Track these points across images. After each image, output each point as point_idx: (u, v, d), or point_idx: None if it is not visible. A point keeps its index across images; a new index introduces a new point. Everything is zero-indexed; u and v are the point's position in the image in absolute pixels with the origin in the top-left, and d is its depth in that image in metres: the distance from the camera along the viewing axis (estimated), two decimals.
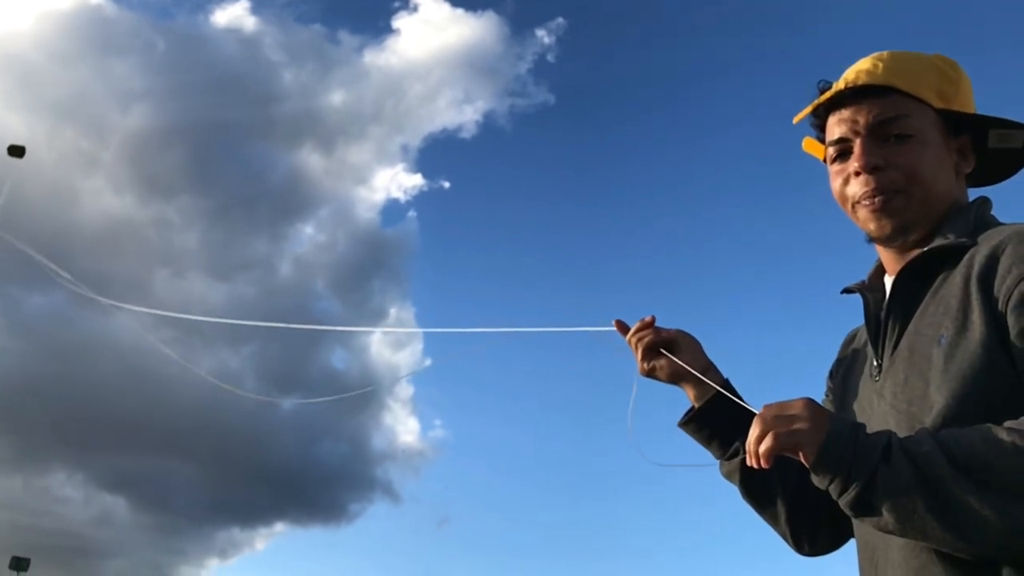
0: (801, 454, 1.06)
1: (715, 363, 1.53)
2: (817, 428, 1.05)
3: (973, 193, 1.37)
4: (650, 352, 1.54)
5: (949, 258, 1.22)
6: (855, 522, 1.27)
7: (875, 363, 1.29)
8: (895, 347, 1.25)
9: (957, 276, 1.18)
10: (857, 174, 1.31)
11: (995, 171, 1.41)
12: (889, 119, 1.30)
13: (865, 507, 1.02)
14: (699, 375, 1.47)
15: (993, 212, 1.33)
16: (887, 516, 1.00)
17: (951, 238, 1.24)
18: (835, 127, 1.34)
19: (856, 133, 1.31)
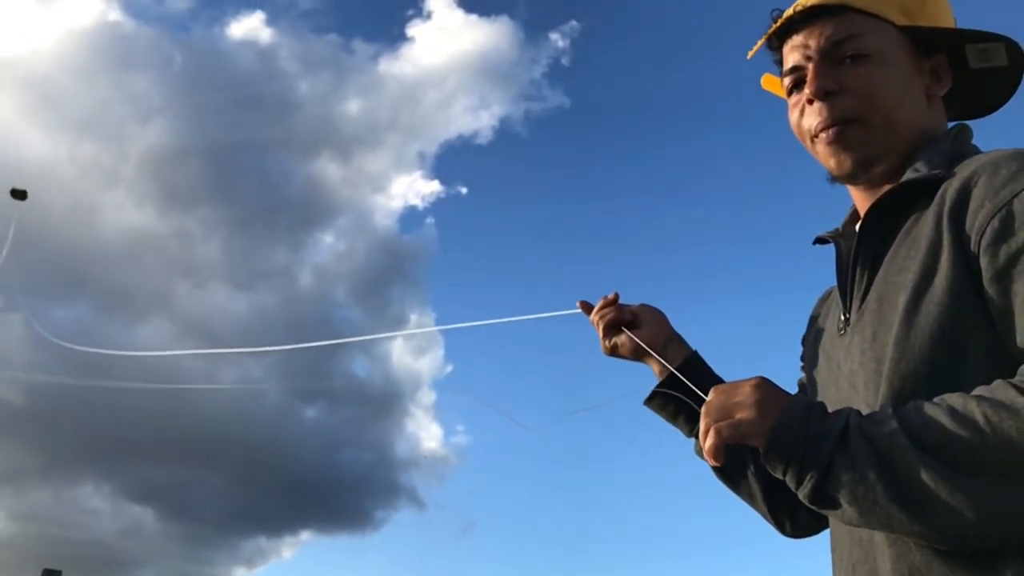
0: (749, 444, 0.95)
1: (685, 337, 1.45)
2: (764, 415, 0.94)
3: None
4: (611, 330, 1.48)
5: (922, 194, 1.07)
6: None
7: (843, 317, 1.15)
8: (863, 298, 1.11)
9: (929, 213, 1.03)
10: (810, 102, 1.18)
11: (986, 98, 1.27)
12: (842, 39, 1.16)
13: (825, 499, 0.90)
14: (649, 350, 1.41)
15: (976, 143, 1.17)
16: (847, 508, 0.89)
17: (923, 171, 1.09)
18: (789, 56, 1.22)
19: (808, 59, 1.19)
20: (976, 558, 0.89)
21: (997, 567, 0.88)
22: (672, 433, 1.45)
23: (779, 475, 0.94)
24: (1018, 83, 1.24)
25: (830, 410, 0.94)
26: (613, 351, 1.49)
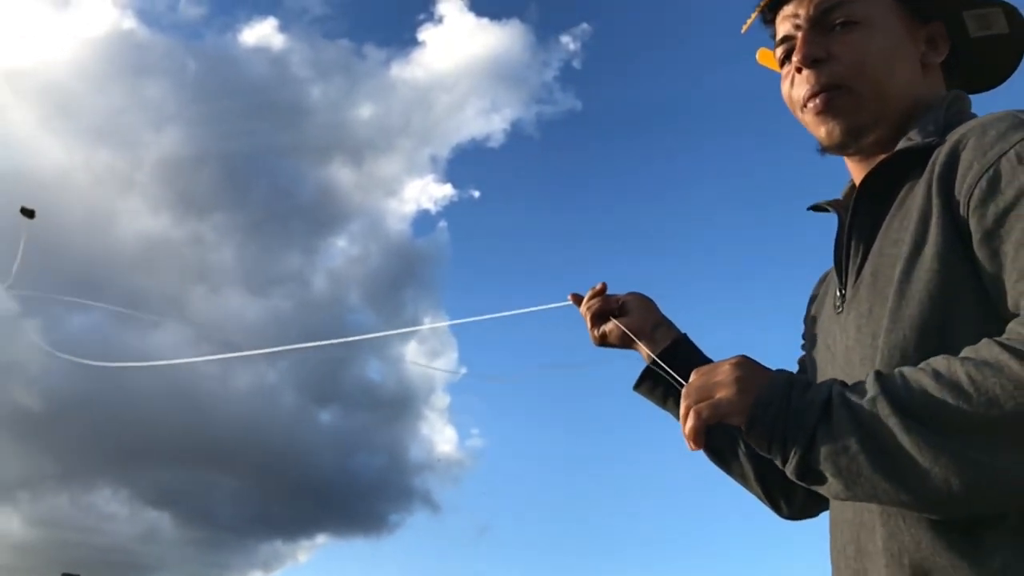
0: (731, 424, 0.93)
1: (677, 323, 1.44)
2: (744, 393, 0.92)
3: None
4: (598, 319, 1.48)
5: (916, 163, 1.04)
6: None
7: (839, 293, 1.12)
8: (859, 273, 1.08)
9: (922, 182, 1.00)
10: (799, 71, 1.16)
11: (990, 69, 1.22)
12: (832, 6, 1.13)
13: (813, 474, 0.87)
14: (633, 336, 1.41)
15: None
16: (832, 482, 0.86)
17: (917, 139, 1.06)
18: (780, 27, 1.21)
19: (798, 27, 1.16)
20: (968, 536, 0.86)
21: (989, 544, 0.85)
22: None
23: (764, 452, 0.92)
24: (1022, 53, 1.21)
25: None
26: (602, 341, 1.48)
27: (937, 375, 0.83)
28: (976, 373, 0.81)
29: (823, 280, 1.31)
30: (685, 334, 1.44)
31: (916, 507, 0.85)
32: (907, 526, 0.90)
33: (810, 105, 1.15)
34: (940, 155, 0.99)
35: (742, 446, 1.32)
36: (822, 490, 0.89)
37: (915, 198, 1.00)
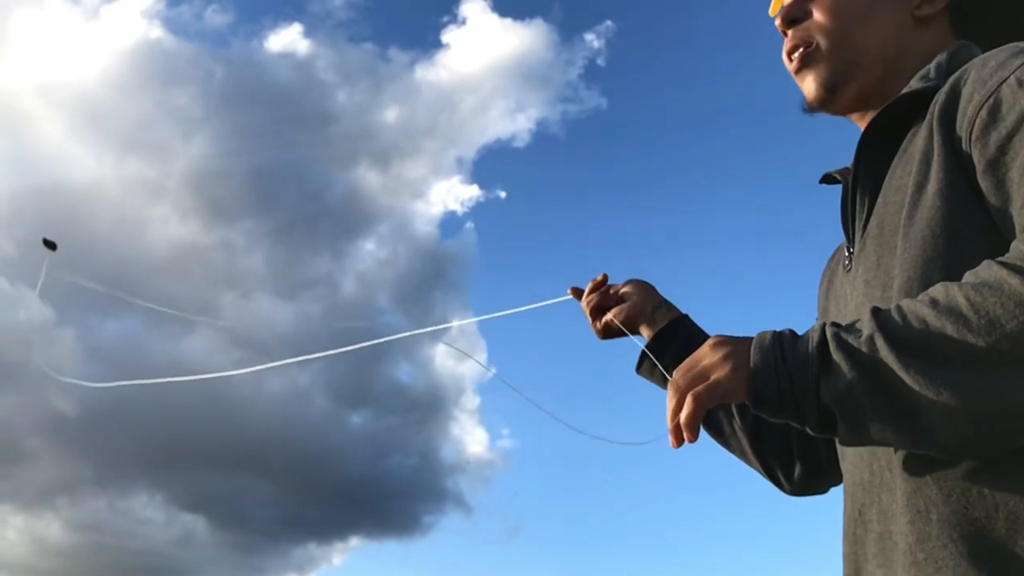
0: (735, 402, 0.90)
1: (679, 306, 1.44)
2: (738, 365, 0.87)
3: None
4: (598, 313, 1.48)
5: (918, 110, 1.00)
6: (842, 457, 1.07)
7: (847, 252, 1.09)
8: (865, 227, 1.04)
9: (924, 125, 0.96)
10: (784, 33, 1.18)
11: (1004, 22, 1.15)
12: None
13: (833, 426, 0.83)
14: (623, 328, 1.43)
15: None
16: (840, 427, 0.81)
17: (917, 86, 1.03)
18: None
19: None
20: (997, 485, 0.80)
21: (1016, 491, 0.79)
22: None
23: (781, 420, 0.86)
24: None
25: None
26: (606, 334, 1.49)
27: (935, 303, 0.78)
28: (975, 295, 0.75)
29: (834, 255, 1.26)
30: (685, 314, 1.43)
31: (926, 447, 0.80)
32: (934, 480, 0.84)
33: (789, 65, 1.18)
34: (941, 95, 0.95)
35: (736, 420, 1.30)
36: (840, 439, 0.85)
37: (918, 142, 0.96)
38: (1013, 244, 0.80)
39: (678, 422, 0.89)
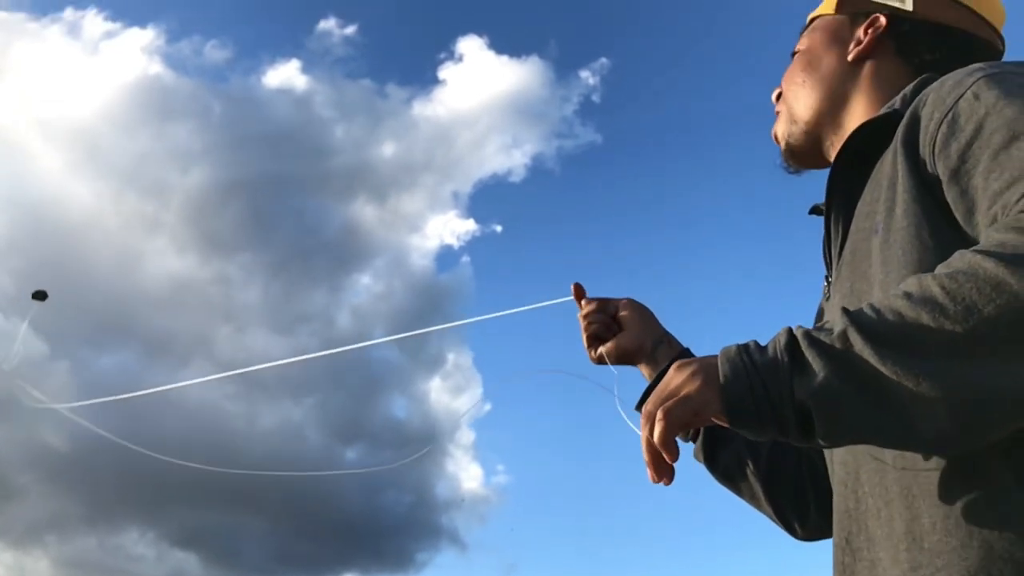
0: (710, 418, 0.84)
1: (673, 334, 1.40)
2: (708, 379, 0.83)
3: None
4: (595, 340, 1.43)
5: (885, 138, 1.01)
6: (832, 483, 1.03)
7: (826, 282, 1.10)
8: (840, 254, 1.04)
9: (889, 152, 0.98)
10: None
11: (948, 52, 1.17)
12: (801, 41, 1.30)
13: (812, 430, 0.78)
14: (625, 360, 1.39)
15: None
16: (818, 429, 0.77)
17: (880, 115, 1.06)
18: None
19: None
20: (988, 511, 0.77)
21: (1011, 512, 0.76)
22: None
23: (759, 434, 0.82)
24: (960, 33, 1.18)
25: None
26: (600, 361, 1.43)
27: (908, 295, 0.75)
28: (949, 283, 0.73)
29: None
30: (686, 348, 1.40)
31: (905, 443, 0.78)
32: (926, 507, 0.82)
33: None
34: (904, 121, 0.97)
35: (751, 464, 1.26)
36: (821, 445, 0.81)
37: (884, 168, 0.98)
38: (984, 233, 0.79)
39: (654, 449, 0.86)
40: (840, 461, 1.00)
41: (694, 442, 1.33)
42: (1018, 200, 0.77)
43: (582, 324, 1.45)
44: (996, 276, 0.71)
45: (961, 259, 0.75)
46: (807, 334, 0.79)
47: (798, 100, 1.24)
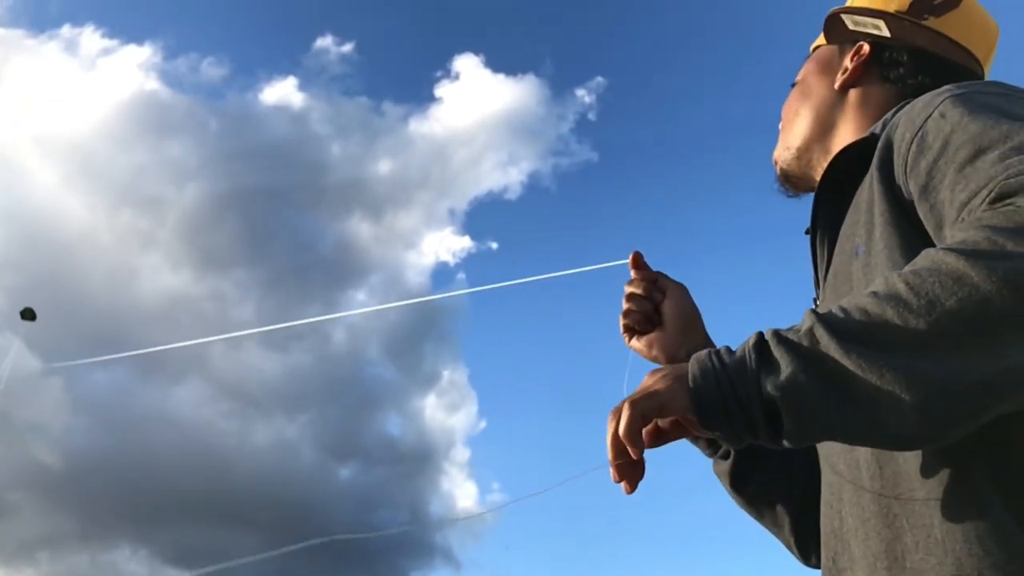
0: (678, 415, 0.84)
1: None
2: (678, 379, 0.84)
3: None
4: (630, 330, 1.34)
5: (864, 161, 1.03)
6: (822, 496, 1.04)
7: (814, 303, 1.13)
8: (826, 277, 1.07)
9: (868, 175, 1.01)
10: None
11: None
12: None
13: (778, 432, 0.79)
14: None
15: None
16: (786, 427, 0.77)
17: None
18: None
19: None
20: (967, 529, 0.79)
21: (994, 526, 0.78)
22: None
23: (729, 434, 0.82)
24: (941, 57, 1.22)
25: None
26: (629, 340, 1.35)
27: (875, 293, 0.77)
28: (913, 278, 0.74)
29: None
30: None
31: (874, 437, 0.77)
32: (908, 527, 0.84)
33: None
34: (879, 144, 1.01)
35: (783, 495, 1.24)
36: (789, 444, 0.81)
37: (863, 191, 1.01)
38: (948, 233, 0.82)
39: (619, 443, 0.85)
40: (827, 483, 1.02)
41: (713, 456, 1.31)
42: (980, 203, 0.79)
43: (623, 299, 1.36)
44: (957, 270, 0.72)
45: (925, 257, 0.77)
46: (776, 333, 0.80)
47: (791, 127, 1.31)
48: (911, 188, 0.90)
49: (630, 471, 0.89)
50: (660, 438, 0.93)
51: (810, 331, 0.77)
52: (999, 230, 0.73)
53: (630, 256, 1.37)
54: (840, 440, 0.79)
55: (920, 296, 0.73)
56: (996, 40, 1.28)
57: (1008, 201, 0.76)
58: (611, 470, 0.88)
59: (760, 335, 0.81)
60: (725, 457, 1.28)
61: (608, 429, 0.87)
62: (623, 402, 0.85)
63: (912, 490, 0.85)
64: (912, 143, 0.92)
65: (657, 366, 1.24)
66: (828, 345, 0.75)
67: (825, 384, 0.75)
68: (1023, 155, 0.79)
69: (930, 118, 0.92)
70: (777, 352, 0.78)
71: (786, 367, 0.77)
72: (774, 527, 1.27)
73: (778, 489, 1.25)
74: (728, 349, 0.84)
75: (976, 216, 0.78)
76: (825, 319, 0.77)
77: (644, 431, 0.87)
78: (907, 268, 0.77)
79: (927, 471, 0.84)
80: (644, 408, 0.84)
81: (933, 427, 0.73)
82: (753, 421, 0.79)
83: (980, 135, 0.84)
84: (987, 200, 0.79)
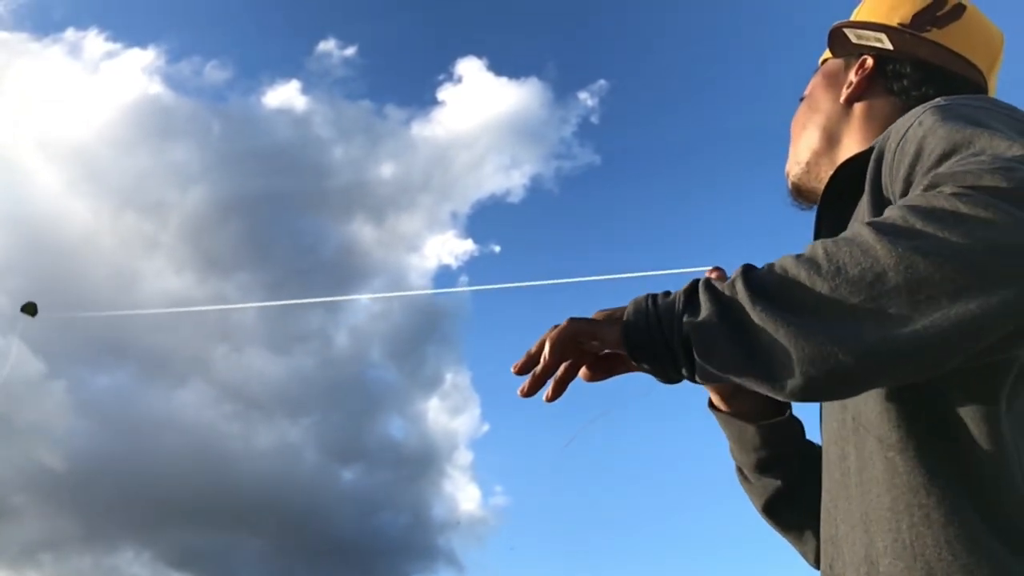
0: (610, 347, 0.93)
1: None
2: (613, 317, 0.93)
3: None
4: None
5: (862, 174, 1.05)
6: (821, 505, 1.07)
7: None
8: None
9: (864, 189, 1.03)
10: None
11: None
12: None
13: (692, 369, 0.86)
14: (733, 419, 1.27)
15: None
16: (696, 359, 0.84)
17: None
18: None
19: None
20: (949, 535, 0.83)
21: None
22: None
23: (657, 369, 0.90)
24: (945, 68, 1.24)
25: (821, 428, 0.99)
26: None
27: (799, 255, 0.82)
28: (832, 246, 0.79)
29: None
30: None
31: (769, 388, 0.81)
32: (879, 531, 0.89)
33: None
34: (872, 157, 1.02)
35: (802, 506, 1.23)
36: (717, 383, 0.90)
37: (861, 203, 1.03)
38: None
39: (542, 345, 0.94)
40: (825, 489, 1.05)
41: (745, 474, 1.30)
42: (925, 189, 0.82)
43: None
44: (867, 243, 0.76)
45: (850, 229, 0.82)
46: (706, 282, 0.87)
47: (800, 141, 1.33)
48: (895, 196, 0.94)
49: (538, 378, 0.96)
50: (601, 369, 1.01)
51: (732, 283, 0.84)
52: (915, 210, 0.77)
53: (710, 271, 1.35)
54: (738, 381, 0.84)
55: (832, 262, 0.78)
56: (1001, 48, 1.29)
57: (938, 188, 0.79)
58: (526, 383, 0.97)
59: (694, 282, 0.89)
60: (760, 473, 1.27)
61: (543, 335, 0.95)
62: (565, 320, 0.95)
63: (879, 496, 0.90)
64: (895, 153, 0.95)
65: None
66: (741, 296, 0.82)
67: (731, 330, 0.82)
68: (981, 158, 0.81)
69: (909, 128, 0.95)
70: (702, 297, 0.85)
71: (704, 311, 0.84)
72: (797, 542, 1.27)
73: (798, 503, 1.24)
74: (666, 293, 0.92)
75: (910, 197, 0.82)
76: (748, 274, 0.84)
77: (588, 364, 0.99)
78: (835, 237, 0.82)
79: (895, 476, 0.89)
80: (578, 328, 0.94)
81: (813, 384, 0.77)
82: (674, 356, 0.87)
83: (947, 137, 0.88)
84: (922, 188, 0.82)
